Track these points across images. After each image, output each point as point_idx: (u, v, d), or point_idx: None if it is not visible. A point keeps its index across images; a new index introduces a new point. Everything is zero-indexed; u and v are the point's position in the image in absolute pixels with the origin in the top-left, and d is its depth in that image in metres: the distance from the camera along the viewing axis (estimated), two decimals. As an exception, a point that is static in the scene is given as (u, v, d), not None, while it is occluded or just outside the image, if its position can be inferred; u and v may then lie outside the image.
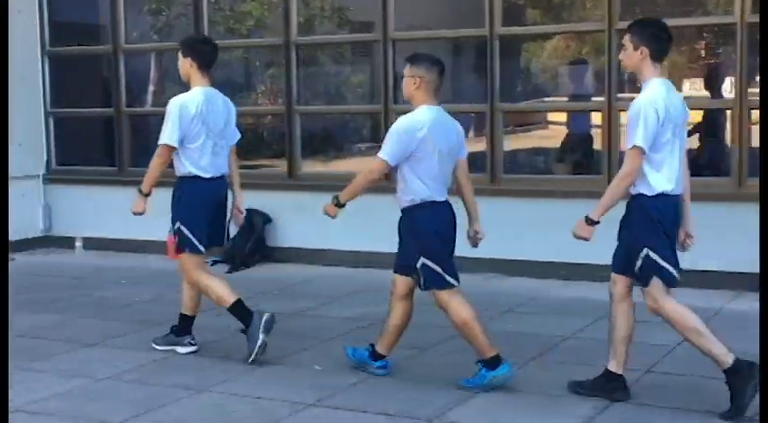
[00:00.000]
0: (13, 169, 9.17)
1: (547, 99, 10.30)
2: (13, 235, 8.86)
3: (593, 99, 8.79)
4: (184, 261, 5.96)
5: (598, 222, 4.76)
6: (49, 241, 10.30)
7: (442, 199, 5.26)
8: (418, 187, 5.20)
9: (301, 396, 5.22)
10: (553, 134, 10.07)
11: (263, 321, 5.75)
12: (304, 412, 4.99)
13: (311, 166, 9.67)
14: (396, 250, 5.42)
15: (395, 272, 5.42)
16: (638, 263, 4.76)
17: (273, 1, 9.87)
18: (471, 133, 9.60)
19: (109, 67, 10.24)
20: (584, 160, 9.18)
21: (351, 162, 10.05)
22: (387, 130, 5.40)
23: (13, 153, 9.29)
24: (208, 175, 5.92)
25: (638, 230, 4.78)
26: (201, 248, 5.94)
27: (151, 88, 10.73)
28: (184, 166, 5.91)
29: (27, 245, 9.99)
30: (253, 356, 5.76)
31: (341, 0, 10.29)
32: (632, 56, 4.85)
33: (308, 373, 5.67)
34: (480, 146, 8.65)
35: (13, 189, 9.14)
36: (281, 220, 9.24)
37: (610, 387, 5.01)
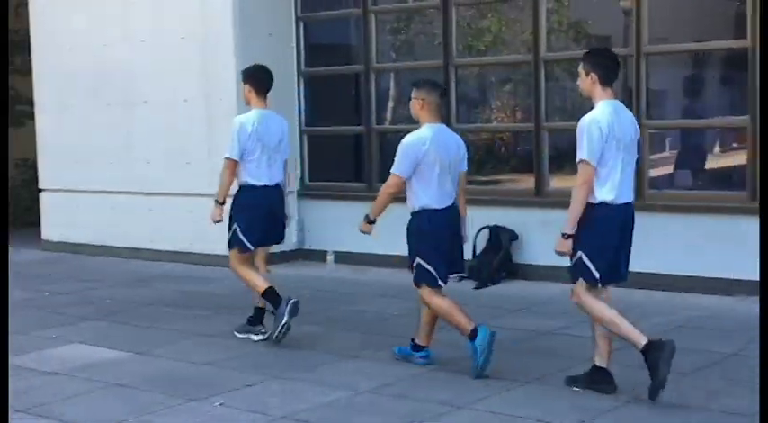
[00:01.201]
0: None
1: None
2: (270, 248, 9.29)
3: None
4: (232, 256, 6.99)
5: (572, 235, 5.35)
6: (301, 255, 10.75)
7: (442, 206, 6.01)
8: (420, 196, 5.99)
9: (562, 418, 5.17)
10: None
11: (289, 305, 6.69)
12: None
13: (558, 183, 9.58)
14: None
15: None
16: (572, 262, 5.43)
17: (512, 17, 9.89)
18: (717, 149, 9.25)
19: (359, 85, 10.59)
20: None
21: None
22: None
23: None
24: (261, 184, 6.92)
25: (579, 234, 5.35)
26: (251, 247, 6.97)
27: (390, 105, 10.99)
28: (243, 176, 6.93)
29: (281, 258, 10.44)
30: (276, 333, 6.72)
31: (580, 14, 10.13)
32: (585, 81, 5.49)
33: (566, 393, 5.61)
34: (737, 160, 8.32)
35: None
36: (528, 237, 9.22)
37: (598, 380, 5.55)
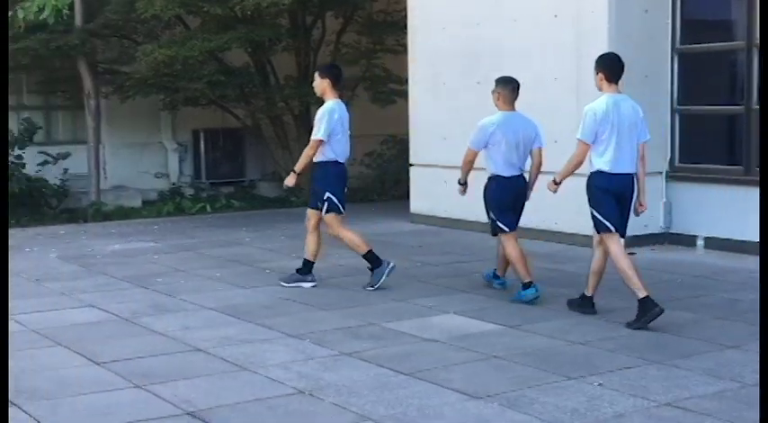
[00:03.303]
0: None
1: None
2: (634, 230, 9.05)
3: None
4: (332, 220, 8.29)
5: (559, 183, 7.25)
6: (668, 238, 10.40)
7: (508, 175, 7.79)
8: (491, 165, 7.82)
9: None
10: None
11: (389, 267, 8.28)
12: None
13: None
14: None
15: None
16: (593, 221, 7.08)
17: None
18: None
19: (739, 63, 10.01)
20: None
21: None
22: None
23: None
24: (342, 160, 8.33)
25: (588, 197, 7.07)
26: (343, 210, 8.30)
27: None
28: (329, 154, 8.24)
29: (646, 241, 10.17)
30: (376, 286, 8.21)
31: None
32: (595, 78, 7.10)
33: None
34: None
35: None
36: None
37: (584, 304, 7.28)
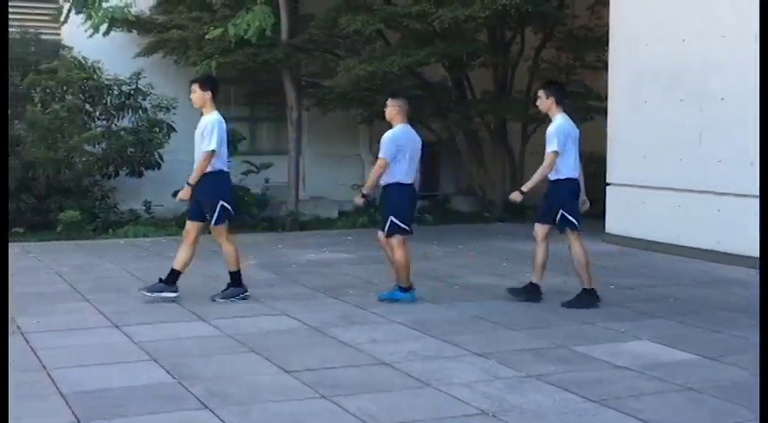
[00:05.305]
0: None
1: None
2: None
3: None
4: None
5: (525, 192, 8.39)
6: None
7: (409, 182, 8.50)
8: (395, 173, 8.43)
9: None
10: None
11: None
12: None
13: None
14: None
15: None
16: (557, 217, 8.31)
17: None
18: None
19: None
20: None
21: None
22: None
23: None
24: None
25: (557, 199, 8.35)
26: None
27: None
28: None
29: None
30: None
31: None
32: (545, 102, 8.41)
33: None
34: None
35: None
36: None
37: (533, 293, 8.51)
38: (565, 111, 8.45)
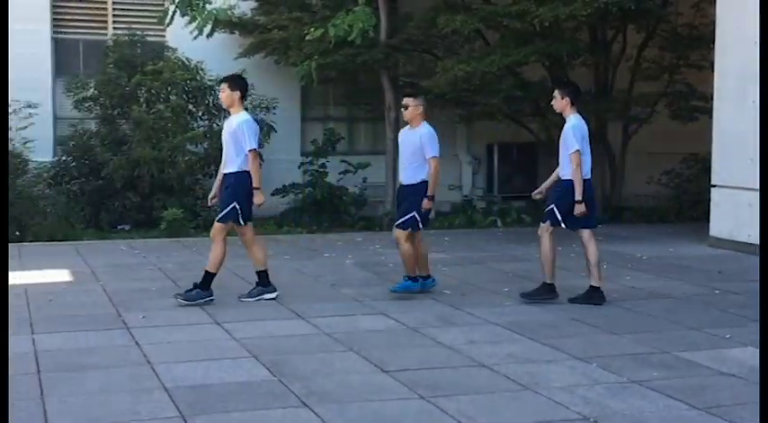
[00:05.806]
0: None
1: None
2: None
3: None
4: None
5: (582, 200, 8.27)
6: None
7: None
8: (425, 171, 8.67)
9: None
10: None
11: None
12: None
13: None
14: None
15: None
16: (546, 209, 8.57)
17: None
18: None
19: None
20: None
21: None
22: None
23: None
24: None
25: (562, 197, 8.50)
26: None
27: None
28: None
29: None
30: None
31: None
32: (560, 102, 8.47)
33: None
34: None
35: None
36: None
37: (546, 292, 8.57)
38: (578, 111, 8.47)
